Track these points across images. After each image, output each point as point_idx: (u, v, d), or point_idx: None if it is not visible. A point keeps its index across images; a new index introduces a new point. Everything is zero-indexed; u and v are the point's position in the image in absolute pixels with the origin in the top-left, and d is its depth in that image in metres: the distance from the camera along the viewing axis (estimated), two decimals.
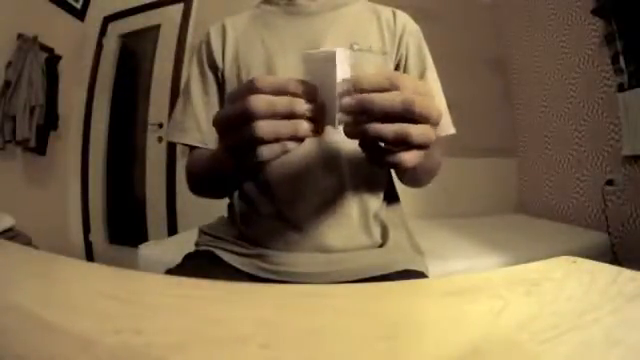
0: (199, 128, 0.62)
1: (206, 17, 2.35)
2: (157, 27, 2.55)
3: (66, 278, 0.38)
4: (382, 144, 0.33)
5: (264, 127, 0.31)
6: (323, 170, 0.57)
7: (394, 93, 0.32)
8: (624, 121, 1.52)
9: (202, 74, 0.64)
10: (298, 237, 0.57)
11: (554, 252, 0.47)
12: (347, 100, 0.32)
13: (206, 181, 0.59)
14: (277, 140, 0.32)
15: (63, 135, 2.51)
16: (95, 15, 2.65)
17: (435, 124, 0.33)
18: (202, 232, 0.67)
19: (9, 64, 2.11)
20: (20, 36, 2.16)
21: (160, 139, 2.45)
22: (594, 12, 1.60)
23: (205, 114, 0.63)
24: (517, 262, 0.92)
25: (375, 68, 0.60)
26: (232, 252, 0.60)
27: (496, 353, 0.23)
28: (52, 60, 2.33)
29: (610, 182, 1.61)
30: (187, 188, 0.63)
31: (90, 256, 2.64)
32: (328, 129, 0.35)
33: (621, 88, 1.52)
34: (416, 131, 0.31)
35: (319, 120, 0.34)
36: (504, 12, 2.27)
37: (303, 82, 0.33)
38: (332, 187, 0.58)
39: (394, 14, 0.65)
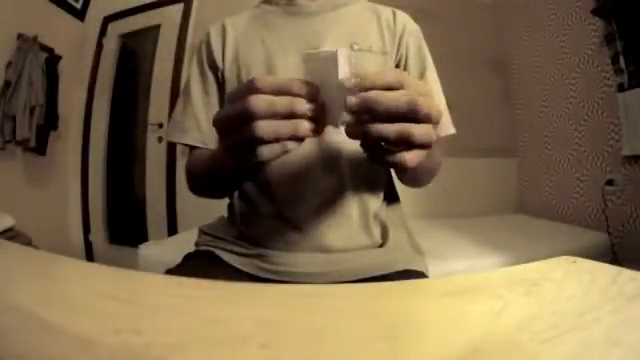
0: (199, 128, 0.62)
1: (206, 17, 2.35)
2: (157, 27, 2.55)
3: (66, 278, 0.38)
4: (383, 144, 0.32)
5: (264, 127, 0.31)
6: (323, 170, 0.57)
7: (399, 92, 0.31)
8: (624, 121, 1.52)
9: (202, 74, 0.64)
10: (298, 237, 0.57)
11: (554, 252, 0.47)
12: (352, 99, 0.31)
13: (206, 181, 0.59)
14: (277, 140, 0.32)
15: (63, 135, 2.51)
16: (95, 15, 2.64)
17: (435, 124, 0.33)
18: (202, 232, 0.67)
19: (9, 64, 2.11)
20: (20, 36, 2.16)
21: (160, 139, 2.45)
22: (594, 12, 1.60)
23: (205, 114, 0.63)
24: (517, 262, 0.92)
25: (375, 68, 0.60)
26: (232, 252, 0.60)
27: (496, 353, 0.23)
28: (52, 60, 2.33)
29: (610, 182, 1.61)
30: (187, 188, 0.63)
31: (90, 256, 2.64)
32: (328, 129, 0.35)
33: (621, 88, 1.52)
34: (418, 131, 0.31)
35: (319, 120, 0.33)
36: (504, 12, 2.27)
37: (303, 82, 0.33)
38: (332, 187, 0.58)
39: (394, 14, 0.65)
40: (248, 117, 0.31)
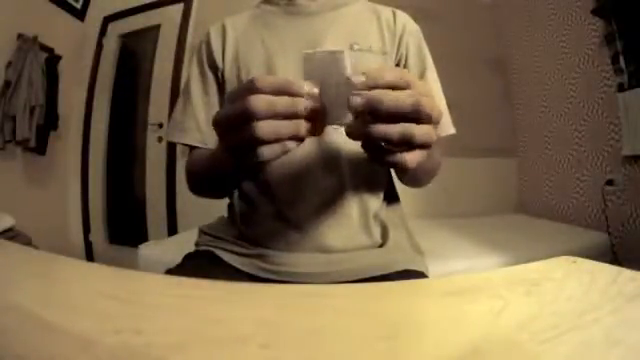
0: (199, 128, 0.62)
1: (206, 17, 2.35)
2: (157, 27, 2.55)
3: (66, 278, 0.38)
4: (383, 144, 0.32)
5: (264, 127, 0.31)
6: (323, 170, 0.57)
7: (405, 93, 0.31)
8: (624, 121, 1.52)
9: (202, 74, 0.64)
10: (298, 237, 0.57)
11: (554, 252, 0.47)
12: (356, 99, 0.31)
13: (206, 181, 0.59)
14: (277, 140, 0.32)
15: (63, 135, 2.51)
16: (95, 15, 2.65)
17: (436, 124, 0.33)
18: (202, 232, 0.67)
19: (9, 64, 2.11)
20: (20, 36, 2.16)
21: (160, 139, 2.45)
22: (594, 12, 1.60)
23: (205, 114, 0.63)
24: (517, 262, 0.92)
25: None
26: (232, 252, 0.60)
27: (496, 353, 0.23)
28: (52, 60, 2.34)
29: (610, 182, 1.61)
30: (187, 188, 0.63)
31: (90, 256, 2.64)
32: (328, 129, 0.35)
33: (621, 88, 1.53)
34: (420, 131, 0.31)
35: (320, 120, 0.33)
36: (504, 12, 2.27)
37: (304, 82, 0.33)
38: (332, 187, 0.58)
39: (394, 14, 0.65)
40: (248, 117, 0.31)
